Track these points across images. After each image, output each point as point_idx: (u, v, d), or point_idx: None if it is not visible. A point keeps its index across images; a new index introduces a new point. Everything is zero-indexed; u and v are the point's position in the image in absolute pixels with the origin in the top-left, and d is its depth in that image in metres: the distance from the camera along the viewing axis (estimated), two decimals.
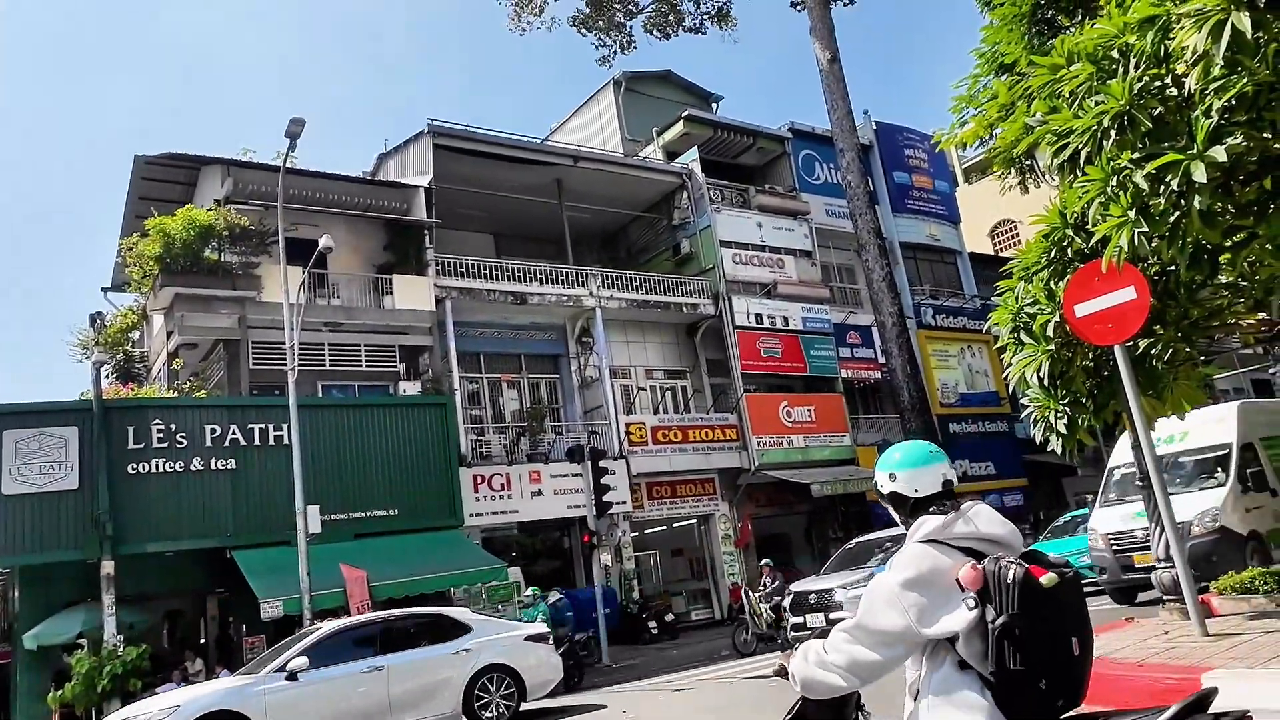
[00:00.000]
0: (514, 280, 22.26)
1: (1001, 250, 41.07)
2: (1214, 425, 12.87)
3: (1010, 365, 7.44)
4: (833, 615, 12.91)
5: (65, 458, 15.78)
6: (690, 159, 26.27)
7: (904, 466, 2.85)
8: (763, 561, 17.70)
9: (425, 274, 20.95)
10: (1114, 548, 12.54)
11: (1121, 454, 13.45)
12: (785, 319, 25.63)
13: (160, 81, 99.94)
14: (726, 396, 25.09)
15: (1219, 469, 12.40)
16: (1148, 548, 10.05)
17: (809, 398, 25.55)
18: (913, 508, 2.80)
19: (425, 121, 22.01)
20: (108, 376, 21.20)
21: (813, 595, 13.95)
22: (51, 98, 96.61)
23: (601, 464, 18.09)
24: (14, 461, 15.39)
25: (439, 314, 20.81)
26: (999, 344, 7.81)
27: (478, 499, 19.83)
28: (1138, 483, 9.32)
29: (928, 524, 2.68)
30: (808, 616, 13.60)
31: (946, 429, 26.70)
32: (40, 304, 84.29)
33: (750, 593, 16.05)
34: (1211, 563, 10.53)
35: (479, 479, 20.00)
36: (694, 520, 24.54)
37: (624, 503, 21.34)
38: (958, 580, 2.51)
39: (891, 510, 2.90)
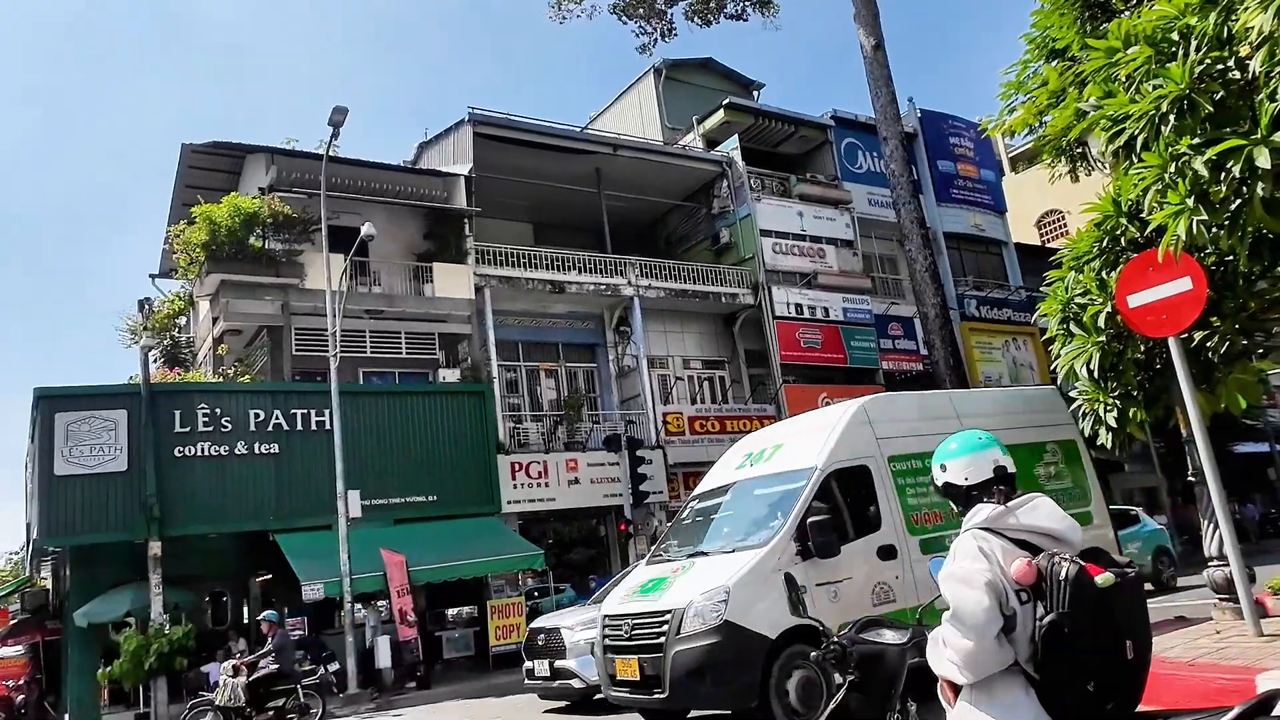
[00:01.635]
0: (552, 269, 22.29)
1: (1049, 241, 40.25)
2: (808, 436, 9.17)
3: (1059, 357, 7.27)
4: (559, 664, 10.18)
5: (114, 440, 16.12)
6: (730, 147, 26.06)
7: (954, 455, 2.79)
8: (262, 616, 13.51)
9: (465, 262, 21.05)
10: (608, 640, 8.35)
11: (708, 480, 10.09)
12: (825, 309, 25.38)
13: (205, 72, 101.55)
14: (765, 387, 24.92)
15: (779, 514, 8.20)
16: (635, 649, 7.71)
17: (849, 389, 25.21)
18: (967, 497, 2.73)
19: (465, 110, 22.10)
20: (155, 361, 21.66)
21: (540, 636, 10.88)
22: (105, 89, 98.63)
23: (638, 453, 18.10)
24: (65, 443, 15.77)
25: (478, 302, 20.91)
26: (1047, 335, 7.64)
27: (515, 486, 19.93)
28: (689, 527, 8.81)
29: (980, 512, 2.62)
30: (536, 663, 10.68)
31: None
32: (91, 289, 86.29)
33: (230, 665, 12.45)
34: (703, 681, 7.27)
35: (516, 466, 20.10)
36: None
37: (660, 492, 21.30)
38: (1011, 574, 2.44)
39: (952, 506, 2.84)
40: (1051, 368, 7.84)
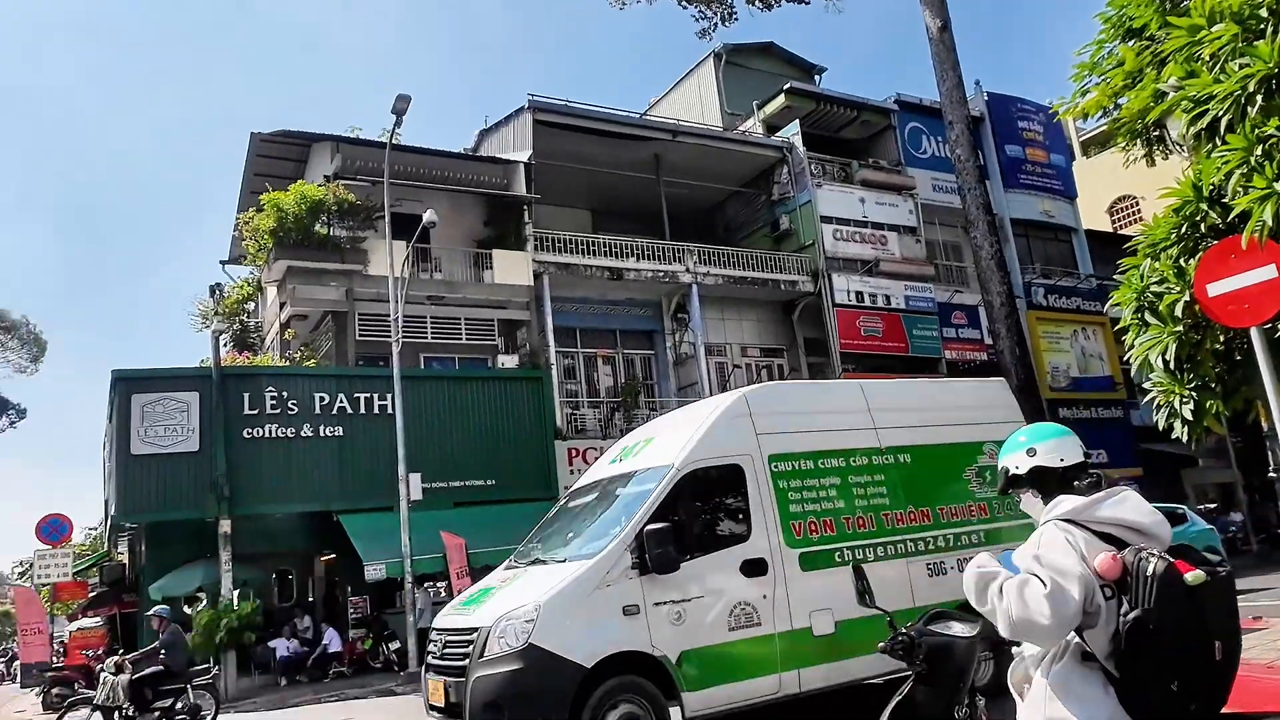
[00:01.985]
0: (610, 256, 22.32)
1: (1121, 228, 38.97)
2: (681, 429, 8.07)
3: (1133, 348, 7.02)
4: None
5: (187, 421, 16.65)
6: (791, 133, 25.74)
7: (1043, 439, 2.71)
8: (152, 610, 12.49)
9: (524, 249, 21.20)
10: (428, 657, 7.28)
11: (584, 476, 9.00)
12: (887, 297, 24.98)
13: (273, 61, 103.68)
14: (824, 375, 24.62)
15: (622, 520, 7.11)
16: (444, 670, 6.77)
17: (910, 378, 24.87)
18: (1059, 482, 2.64)
19: (525, 97, 22.20)
20: (226, 345, 22.28)
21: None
22: (180, 78, 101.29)
23: None
24: (141, 424, 16.34)
25: (536, 289, 21.04)
26: (1119, 325, 7.38)
27: (572, 472, 20.02)
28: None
29: (1066, 503, 2.53)
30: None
31: (1056, 413, 25.60)
32: (167, 274, 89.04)
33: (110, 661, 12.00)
34: (501, 715, 6.20)
35: (574, 452, 20.21)
36: None
37: None
38: (1095, 568, 2.36)
39: (1025, 497, 2.74)
40: (1124, 358, 7.61)
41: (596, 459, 20.19)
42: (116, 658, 11.99)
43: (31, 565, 23.30)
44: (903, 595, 7.55)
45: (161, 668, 11.30)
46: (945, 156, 25.31)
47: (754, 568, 7.14)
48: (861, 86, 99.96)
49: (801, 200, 25.13)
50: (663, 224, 23.94)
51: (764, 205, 26.29)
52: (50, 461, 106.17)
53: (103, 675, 11.32)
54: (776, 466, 7.56)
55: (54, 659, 20.06)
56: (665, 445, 7.83)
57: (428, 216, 16.91)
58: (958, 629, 4.04)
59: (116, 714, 10.93)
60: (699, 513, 7.39)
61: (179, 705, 11.21)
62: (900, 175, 26.61)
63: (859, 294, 24.57)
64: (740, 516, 7.37)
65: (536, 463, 19.54)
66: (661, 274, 22.83)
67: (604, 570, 6.60)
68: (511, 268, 20.92)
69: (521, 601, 6.53)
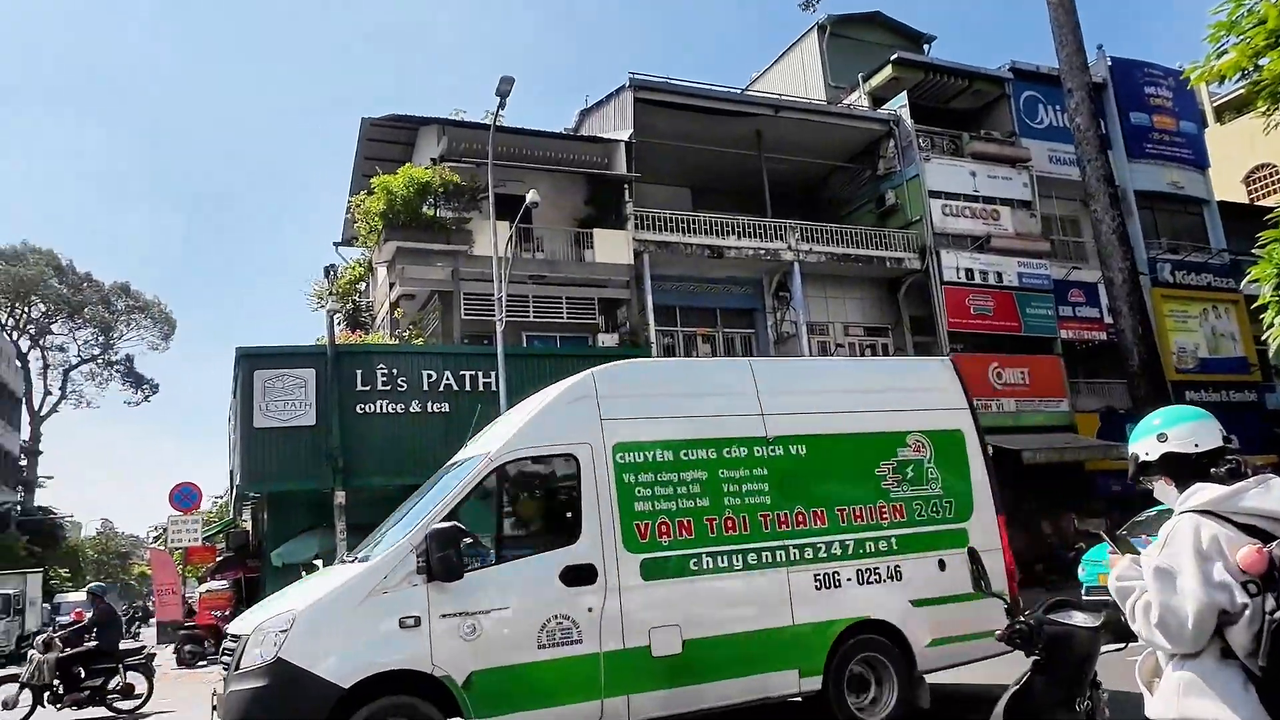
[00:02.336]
0: (711, 234, 22.17)
1: (1259, 199, 36.39)
2: (518, 413, 7.36)
3: (1272, 326, 6.56)
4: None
5: (304, 396, 17.42)
6: (898, 105, 24.96)
7: (1176, 422, 2.53)
8: (87, 588, 13.06)
9: (624, 228, 21.27)
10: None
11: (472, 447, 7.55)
12: (999, 274, 24.05)
13: (379, 43, 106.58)
14: (930, 355, 23.96)
15: (421, 516, 6.33)
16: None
17: (1022, 359, 23.93)
18: (1194, 469, 2.47)
19: (626, 75, 22.19)
20: (339, 324, 23.18)
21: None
22: (292, 69, 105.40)
23: None
24: (263, 398, 17.18)
25: (637, 267, 21.10)
26: (1257, 303, 6.90)
27: None
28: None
29: (1204, 492, 2.36)
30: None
31: (1182, 396, 24.23)
32: (285, 255, 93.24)
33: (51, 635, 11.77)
34: None
35: None
36: None
37: None
38: (1238, 563, 2.21)
39: (1158, 485, 2.58)
40: (1262, 338, 7.07)
41: None
42: (45, 635, 11.64)
43: (165, 530, 24.93)
44: (777, 610, 6.52)
45: (93, 645, 11.03)
46: (1063, 126, 24.16)
47: (579, 575, 6.09)
48: (973, 55, 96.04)
49: (908, 174, 24.39)
50: (764, 201, 23.62)
51: (869, 180, 25.63)
52: (180, 433, 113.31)
53: (31, 654, 11.07)
54: (624, 457, 6.46)
55: (186, 618, 21.46)
56: (500, 430, 7.04)
57: (530, 197, 17.13)
58: (1080, 618, 3.92)
59: (46, 693, 10.72)
60: (515, 511, 6.63)
61: (110, 684, 10.91)
62: (1014, 147, 25.51)
63: (969, 271, 23.74)
64: (569, 515, 6.38)
65: None
66: (763, 252, 22.57)
67: (381, 575, 5.74)
68: (612, 246, 21.02)
69: (286, 607, 5.80)
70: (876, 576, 6.93)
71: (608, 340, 20.86)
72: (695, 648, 6.22)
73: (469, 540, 5.94)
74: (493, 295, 17.59)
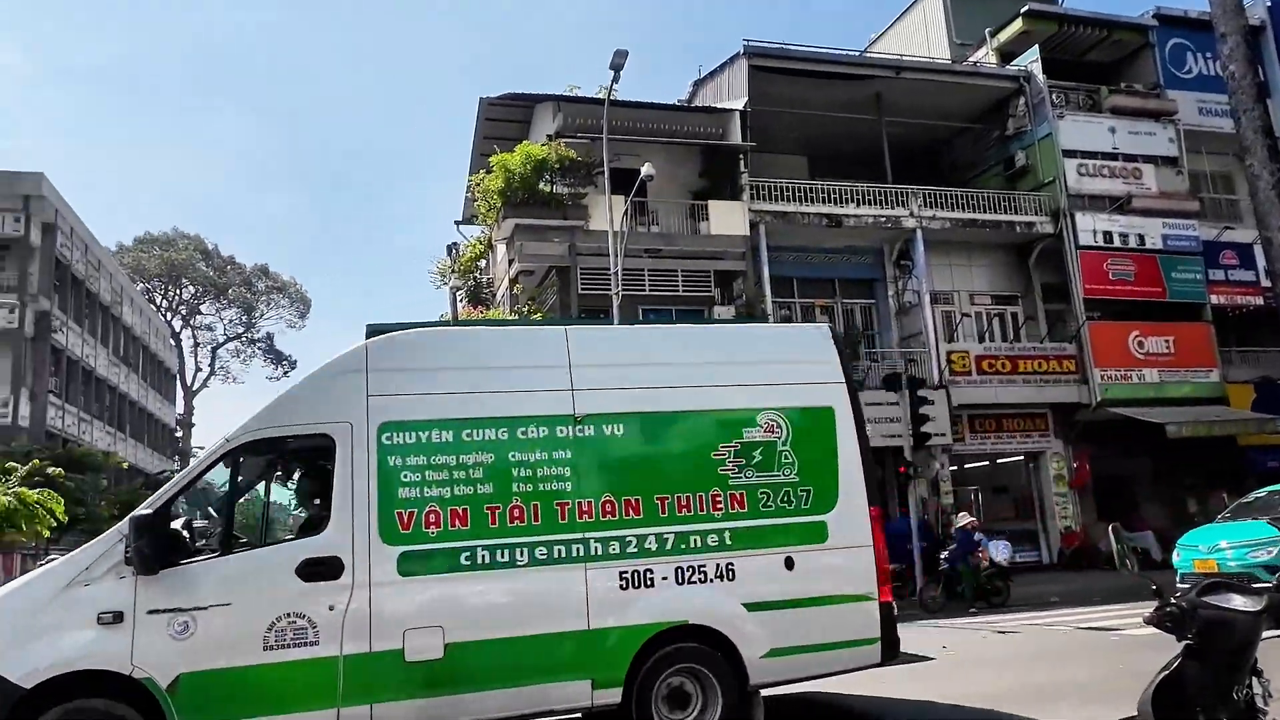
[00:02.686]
0: (828, 202, 21.67)
1: None
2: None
3: None
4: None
5: None
6: (1029, 60, 23.65)
7: None
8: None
9: (739, 199, 21.03)
10: None
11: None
12: (1140, 237, 22.61)
13: (493, 25, 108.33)
14: (1064, 324, 22.82)
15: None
16: None
17: (1167, 326, 22.49)
18: None
19: (740, 44, 21.82)
20: (461, 300, 23.84)
21: None
22: (414, 53, 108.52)
23: (920, 393, 17.30)
24: None
25: (753, 238, 20.85)
26: None
27: None
28: None
29: None
30: None
31: None
32: (406, 235, 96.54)
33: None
34: None
35: None
36: (1021, 457, 22.85)
37: (943, 435, 20.30)
38: None
39: None
40: None
41: None
42: None
43: None
44: (568, 612, 5.73)
45: None
46: (1215, 75, 22.45)
47: (319, 569, 5.46)
48: (1110, 3, 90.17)
49: (1040, 134, 23.14)
50: (884, 167, 22.89)
51: (996, 141, 24.45)
52: None
53: None
54: (391, 438, 5.76)
55: None
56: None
57: (645, 170, 17.11)
58: (1239, 601, 3.62)
59: None
60: (255, 497, 5.88)
61: None
62: (1159, 99, 23.83)
63: (1107, 234, 22.42)
64: (318, 502, 5.75)
65: None
66: (883, 219, 21.91)
67: (82, 566, 5.24)
68: (727, 218, 20.83)
69: None
70: (701, 575, 5.95)
71: (723, 313, 20.72)
72: (460, 652, 5.52)
73: (188, 529, 5.56)
74: (608, 269, 17.71)
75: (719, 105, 22.29)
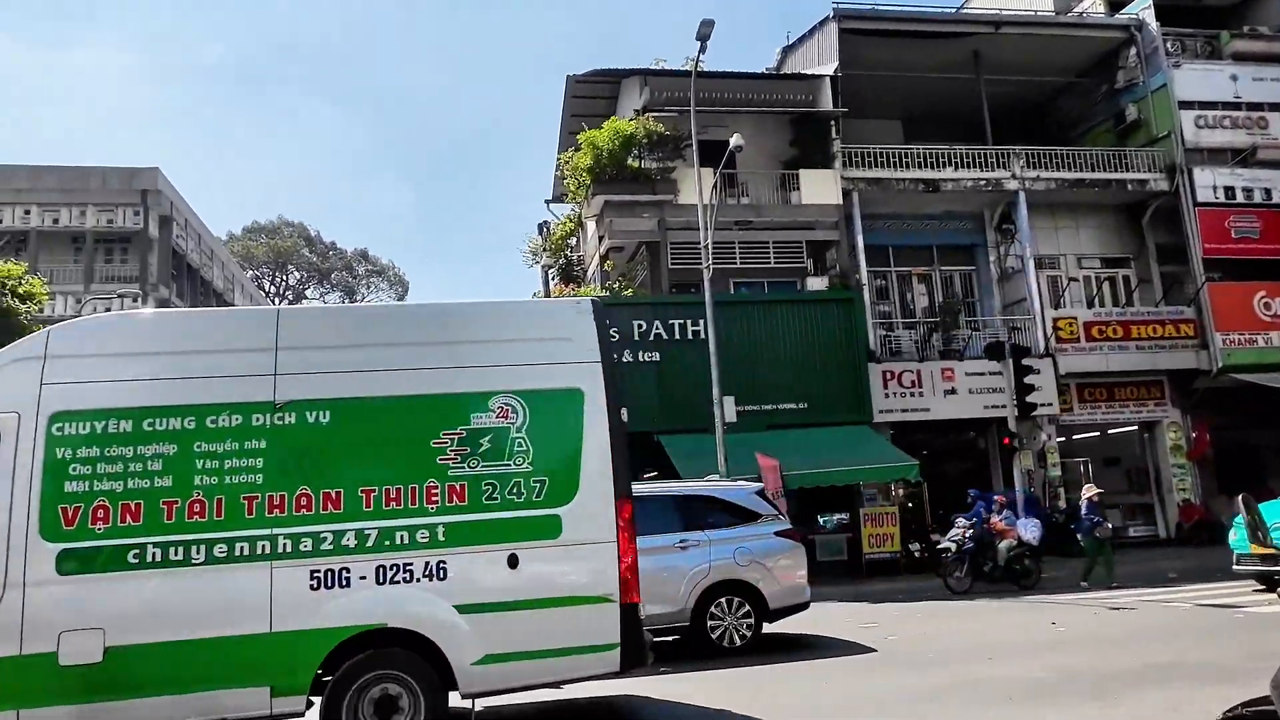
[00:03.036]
0: (925, 167, 21.01)
1: None
2: None
3: None
4: None
5: None
6: (1140, 7, 22.33)
7: None
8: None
9: (831, 167, 20.58)
10: None
11: None
12: (1267, 191, 21.21)
13: (580, 4, 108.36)
14: (1181, 286, 21.62)
15: None
16: None
17: None
18: None
19: (830, 7, 21.25)
20: (553, 278, 24.09)
21: None
22: (499, 35, 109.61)
23: (1024, 362, 16.71)
24: None
25: (845, 207, 20.41)
26: None
27: (887, 395, 19.48)
28: None
29: None
30: None
31: None
32: (497, 214, 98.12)
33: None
34: None
35: (888, 375, 19.59)
36: (1134, 427, 21.84)
37: (1049, 404, 19.62)
38: None
39: None
40: None
41: (913, 382, 19.62)
42: None
43: None
44: (247, 613, 5.33)
45: None
46: None
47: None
48: None
49: (1153, 85, 21.86)
50: (983, 128, 22.01)
51: (1105, 96, 23.22)
52: None
53: None
54: (62, 429, 5.42)
55: None
56: None
57: (734, 141, 16.89)
58: None
59: None
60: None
61: None
62: None
63: (1229, 189, 21.10)
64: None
65: (849, 386, 19.22)
66: (983, 182, 21.12)
67: None
68: (819, 187, 20.43)
69: None
70: (407, 575, 5.48)
71: (816, 283, 20.39)
72: (122, 656, 5.20)
73: None
74: (698, 243, 17.60)
75: (809, 72, 21.80)
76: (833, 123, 20.69)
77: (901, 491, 19.48)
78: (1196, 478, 20.90)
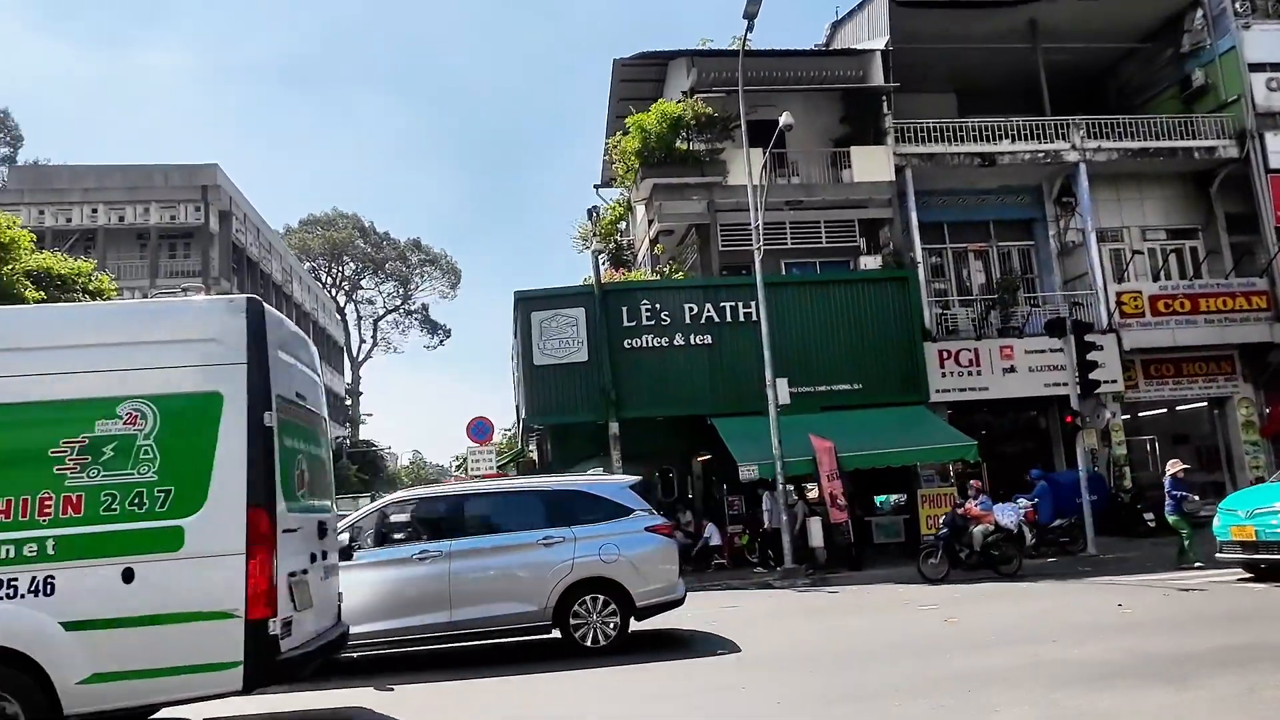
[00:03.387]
0: (980, 140, 20.51)
1: None
2: None
3: None
4: None
5: (576, 335, 18.42)
6: None
7: None
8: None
9: (883, 143, 20.21)
10: None
11: None
12: None
13: None
14: (1253, 257, 20.85)
15: None
16: None
17: None
18: None
19: None
20: (603, 263, 24.12)
21: None
22: (545, 21, 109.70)
23: (1087, 338, 16.25)
24: (540, 338, 18.38)
25: (899, 184, 20.04)
26: None
27: (943, 374, 19.16)
28: None
29: None
30: None
31: None
32: (546, 200, 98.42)
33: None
34: None
35: (944, 354, 19.25)
36: (1204, 404, 21.17)
37: (1113, 381, 19.11)
38: None
39: None
40: None
41: (971, 361, 19.26)
42: None
43: (465, 460, 27.61)
44: None
45: None
46: None
47: None
48: None
49: (1222, 48, 21.03)
50: (1041, 98, 21.41)
51: (1169, 61, 22.39)
52: (470, 373, 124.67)
53: None
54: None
55: None
56: None
57: (784, 119, 16.67)
58: None
59: None
60: None
61: None
62: None
63: None
64: None
65: (905, 366, 18.94)
66: (1041, 154, 20.56)
67: None
68: (871, 164, 20.08)
69: None
70: (11, 591, 5.17)
71: (870, 263, 20.09)
72: None
73: None
74: (749, 224, 17.45)
75: (859, 46, 21.39)
76: (884, 98, 20.31)
77: (962, 468, 19.17)
78: (1270, 455, 20.19)
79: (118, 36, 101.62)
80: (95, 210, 35.66)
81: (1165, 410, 21.62)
